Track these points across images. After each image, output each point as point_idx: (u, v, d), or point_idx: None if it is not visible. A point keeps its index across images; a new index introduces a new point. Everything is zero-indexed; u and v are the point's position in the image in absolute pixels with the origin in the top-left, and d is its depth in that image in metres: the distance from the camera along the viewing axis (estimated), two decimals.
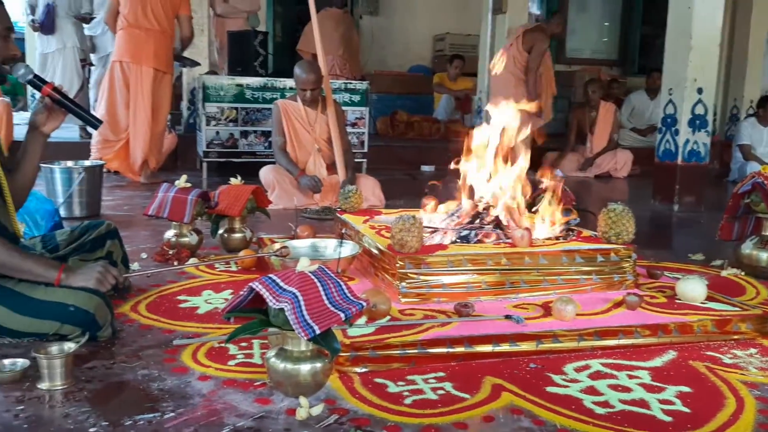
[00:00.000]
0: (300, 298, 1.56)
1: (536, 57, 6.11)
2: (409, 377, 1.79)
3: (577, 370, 1.89)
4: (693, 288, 2.35)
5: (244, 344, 1.96)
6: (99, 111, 5.05)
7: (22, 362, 1.73)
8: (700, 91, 4.73)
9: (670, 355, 2.02)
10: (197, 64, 5.93)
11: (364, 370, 1.81)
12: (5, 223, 2.05)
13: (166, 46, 5.09)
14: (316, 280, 1.63)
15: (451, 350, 1.91)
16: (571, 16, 10.40)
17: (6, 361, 1.73)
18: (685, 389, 1.77)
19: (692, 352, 2.04)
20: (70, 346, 1.74)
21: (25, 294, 1.93)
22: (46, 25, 6.22)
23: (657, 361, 1.97)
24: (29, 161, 2.20)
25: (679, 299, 2.36)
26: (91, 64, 6.61)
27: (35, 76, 2.10)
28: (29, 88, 6.67)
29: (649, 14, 10.59)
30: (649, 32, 10.70)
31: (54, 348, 1.73)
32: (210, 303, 2.36)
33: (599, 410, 1.64)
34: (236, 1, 6.68)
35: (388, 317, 2.08)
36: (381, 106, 8.36)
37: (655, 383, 1.81)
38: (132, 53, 4.91)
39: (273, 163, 4.59)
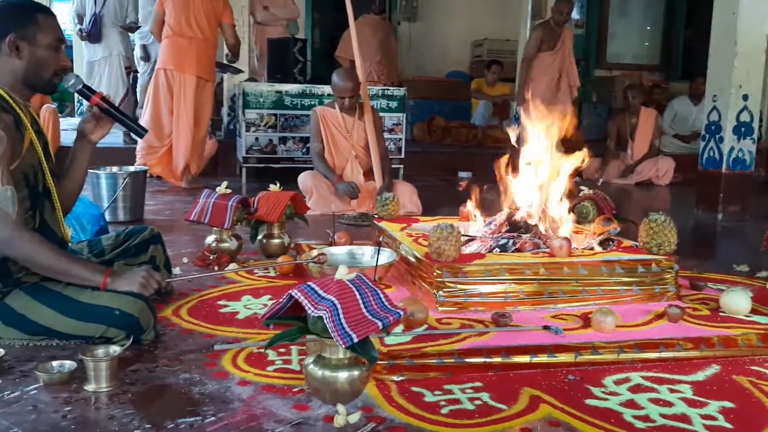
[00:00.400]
0: (338, 306, 1.57)
1: (527, 45, 6.52)
2: (446, 387, 1.79)
3: (617, 382, 1.86)
4: (737, 300, 2.31)
5: (282, 350, 1.99)
6: (144, 117, 5.16)
7: (69, 364, 1.78)
8: (745, 97, 4.63)
9: (713, 369, 1.98)
10: (239, 71, 6.02)
11: (401, 378, 1.82)
12: (54, 228, 2.11)
13: (209, 53, 5.18)
14: (354, 289, 1.64)
15: (488, 360, 1.90)
16: (612, 20, 10.27)
17: (54, 363, 1.79)
18: (729, 405, 1.74)
19: (736, 367, 2.00)
20: (115, 350, 1.79)
21: (72, 297, 1.99)
22: (93, 35, 6.40)
23: (699, 375, 1.93)
24: (77, 168, 2.27)
25: (723, 312, 2.31)
26: (136, 71, 6.77)
27: (84, 86, 2.16)
28: (76, 95, 6.84)
29: (693, 18, 10.40)
30: (693, 36, 10.50)
31: (100, 351, 1.78)
32: (249, 308, 2.39)
33: (639, 424, 1.62)
34: (276, 9, 6.76)
35: (426, 326, 2.08)
36: (418, 112, 8.37)
37: (697, 398, 1.78)
38: (176, 61, 5.01)
39: (311, 168, 4.63)
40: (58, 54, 2.06)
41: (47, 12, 2.08)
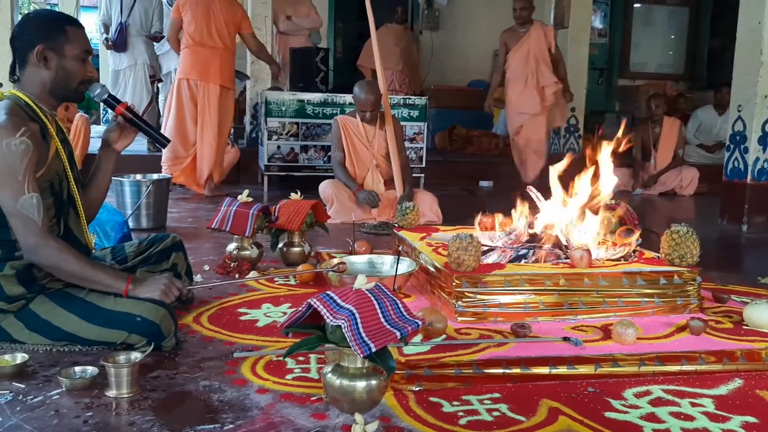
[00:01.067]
0: (357, 315, 1.58)
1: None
2: (465, 397, 1.79)
3: (638, 395, 1.84)
4: (761, 314, 2.27)
5: (301, 358, 1.99)
6: (167, 127, 5.22)
7: (91, 370, 1.80)
8: None
9: (736, 383, 1.95)
10: (247, 77, 6.23)
11: (419, 388, 1.82)
12: (78, 235, 2.14)
13: (230, 63, 5.25)
14: (372, 298, 1.65)
15: (507, 371, 1.89)
16: (636, 29, 10.21)
17: (77, 369, 1.81)
18: (752, 420, 1.71)
19: (759, 381, 1.97)
20: (136, 356, 1.81)
21: (95, 304, 2.01)
22: (119, 44, 6.50)
23: (722, 389, 1.90)
24: (101, 176, 2.31)
25: (747, 325, 2.28)
26: (160, 80, 6.87)
27: (110, 95, 2.20)
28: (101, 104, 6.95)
29: (718, 27, 10.29)
30: (718, 45, 10.40)
31: (121, 357, 1.80)
32: (269, 316, 2.41)
33: None
34: (299, 18, 6.82)
35: (444, 336, 2.08)
36: (439, 121, 8.37)
37: (719, 412, 1.75)
38: (199, 71, 5.07)
39: (332, 177, 4.66)
40: (85, 64, 2.09)
41: (75, 23, 2.12)
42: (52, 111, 2.09)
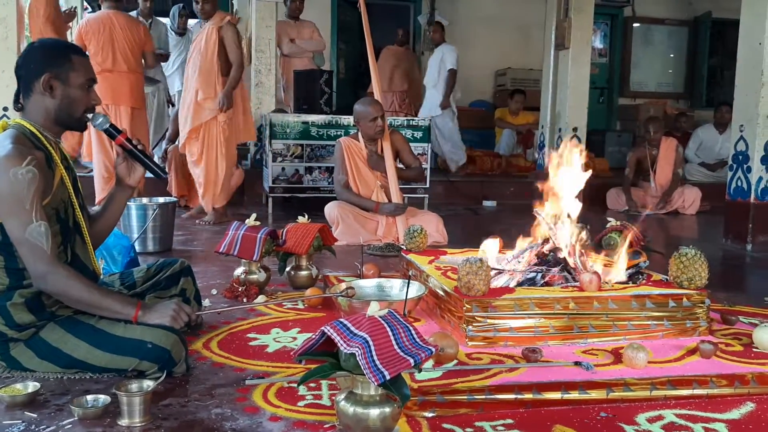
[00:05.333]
0: (371, 343, 1.58)
1: None
2: (478, 423, 1.78)
3: (650, 420, 1.84)
4: None
5: (312, 385, 1.99)
6: (94, 150, 5.25)
7: (103, 398, 1.80)
8: None
9: (748, 407, 1.95)
10: (158, 81, 6.52)
11: (431, 414, 1.81)
12: (86, 261, 2.15)
13: (139, 83, 5.38)
14: (386, 325, 1.65)
15: (519, 396, 1.89)
16: (635, 49, 10.29)
17: (89, 397, 1.81)
18: None
19: None
20: (149, 384, 1.80)
21: (105, 330, 2.01)
22: None
23: (734, 413, 1.90)
24: (112, 209, 2.34)
25: (757, 347, 2.28)
26: (172, 103, 6.95)
27: (111, 125, 2.21)
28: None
29: (716, 46, 10.38)
30: (716, 64, 10.48)
31: (134, 385, 1.80)
32: (278, 341, 2.40)
33: None
34: (302, 41, 6.88)
35: (455, 361, 2.08)
36: None
37: None
38: (111, 96, 5.14)
39: (335, 199, 4.67)
40: (89, 93, 2.12)
41: (80, 52, 2.15)
42: (56, 139, 2.10)
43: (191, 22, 7.16)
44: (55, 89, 2.04)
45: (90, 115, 2.15)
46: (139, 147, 2.25)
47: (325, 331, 1.64)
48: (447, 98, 7.42)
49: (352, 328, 1.63)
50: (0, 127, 2.03)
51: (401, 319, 1.70)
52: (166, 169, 5.49)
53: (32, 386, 1.87)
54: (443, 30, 7.71)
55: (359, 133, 4.53)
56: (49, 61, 2.04)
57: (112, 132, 2.21)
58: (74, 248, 2.10)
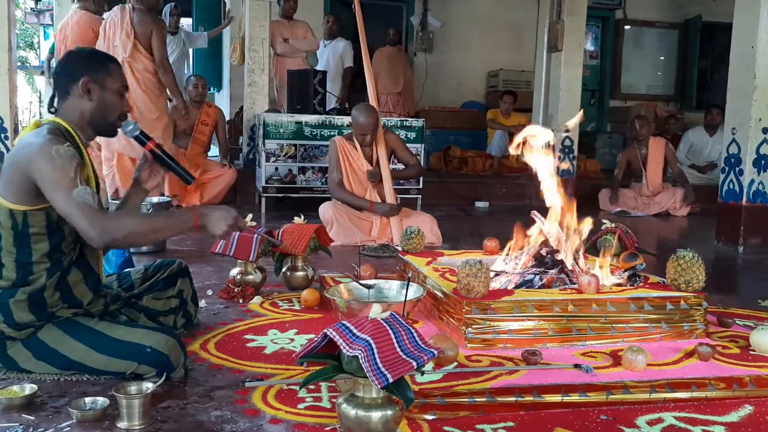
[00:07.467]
0: (373, 345, 1.57)
1: None
2: (478, 426, 1.78)
3: (650, 423, 1.84)
4: None
5: (312, 386, 1.98)
6: None
7: (102, 401, 1.78)
8: (765, 130, 4.62)
9: (747, 409, 1.96)
10: None
11: (432, 417, 1.81)
12: (92, 263, 2.14)
13: None
14: (388, 328, 1.64)
15: (519, 399, 1.89)
16: (626, 51, 10.33)
17: (87, 400, 1.79)
18: None
19: None
20: (148, 387, 1.79)
21: (104, 333, 2.00)
22: None
23: (733, 416, 1.91)
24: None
25: (754, 350, 2.29)
26: None
27: (141, 132, 2.25)
28: None
29: (707, 49, 10.45)
30: (707, 67, 10.55)
31: (133, 388, 1.78)
32: (276, 343, 2.39)
33: None
34: (296, 41, 6.85)
35: (455, 363, 2.07)
36: (434, 142, 8.40)
37: None
38: None
39: (329, 199, 4.66)
40: (123, 100, 2.16)
41: (116, 61, 2.22)
42: (87, 141, 2.13)
43: (183, 21, 7.12)
44: (93, 92, 2.08)
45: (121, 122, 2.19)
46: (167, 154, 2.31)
47: (328, 333, 1.63)
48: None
49: (355, 331, 1.62)
50: (33, 125, 2.05)
51: (403, 322, 1.69)
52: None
53: (29, 388, 1.85)
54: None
55: (354, 135, 4.52)
56: (87, 65, 2.11)
57: (141, 138, 2.25)
58: (83, 248, 2.09)
